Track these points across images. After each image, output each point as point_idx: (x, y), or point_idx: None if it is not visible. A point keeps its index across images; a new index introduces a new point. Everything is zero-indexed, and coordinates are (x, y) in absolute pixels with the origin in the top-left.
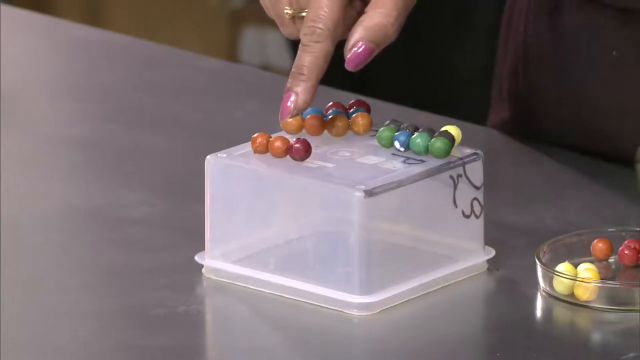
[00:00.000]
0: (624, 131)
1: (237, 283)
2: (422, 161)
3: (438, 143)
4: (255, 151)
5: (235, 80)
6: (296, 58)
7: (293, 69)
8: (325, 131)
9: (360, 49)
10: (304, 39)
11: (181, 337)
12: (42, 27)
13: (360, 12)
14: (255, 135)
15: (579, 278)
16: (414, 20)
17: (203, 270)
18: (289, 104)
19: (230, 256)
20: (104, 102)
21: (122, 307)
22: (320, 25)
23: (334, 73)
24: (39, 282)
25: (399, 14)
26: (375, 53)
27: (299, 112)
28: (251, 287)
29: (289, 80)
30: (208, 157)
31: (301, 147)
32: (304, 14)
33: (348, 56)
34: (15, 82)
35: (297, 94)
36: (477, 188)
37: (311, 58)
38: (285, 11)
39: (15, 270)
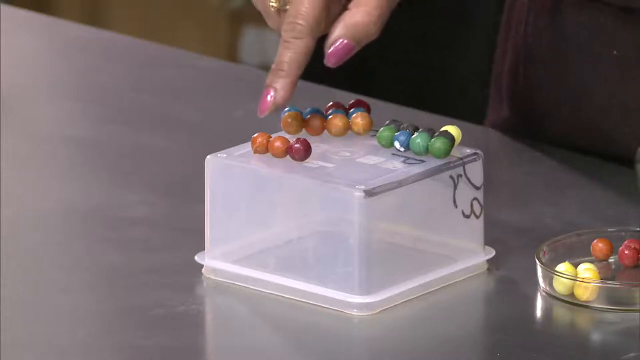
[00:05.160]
0: (624, 131)
1: (237, 283)
2: (422, 161)
3: (438, 143)
4: (255, 151)
5: (235, 80)
6: (277, 54)
7: (273, 65)
8: (325, 131)
9: (340, 46)
10: (284, 35)
11: (181, 337)
12: (42, 27)
13: (346, 7)
14: (255, 135)
15: (579, 278)
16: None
17: (203, 270)
18: (268, 98)
19: (230, 256)
20: (104, 102)
21: (122, 307)
22: (301, 22)
23: (334, 73)
24: (39, 282)
25: (381, 12)
26: (356, 50)
27: (277, 108)
28: (251, 287)
29: (269, 76)
30: (208, 157)
31: (301, 147)
32: (288, 6)
33: (328, 52)
34: (15, 82)
35: (276, 90)
36: (477, 188)
37: (291, 54)
38: (271, 4)
39: (15, 270)
